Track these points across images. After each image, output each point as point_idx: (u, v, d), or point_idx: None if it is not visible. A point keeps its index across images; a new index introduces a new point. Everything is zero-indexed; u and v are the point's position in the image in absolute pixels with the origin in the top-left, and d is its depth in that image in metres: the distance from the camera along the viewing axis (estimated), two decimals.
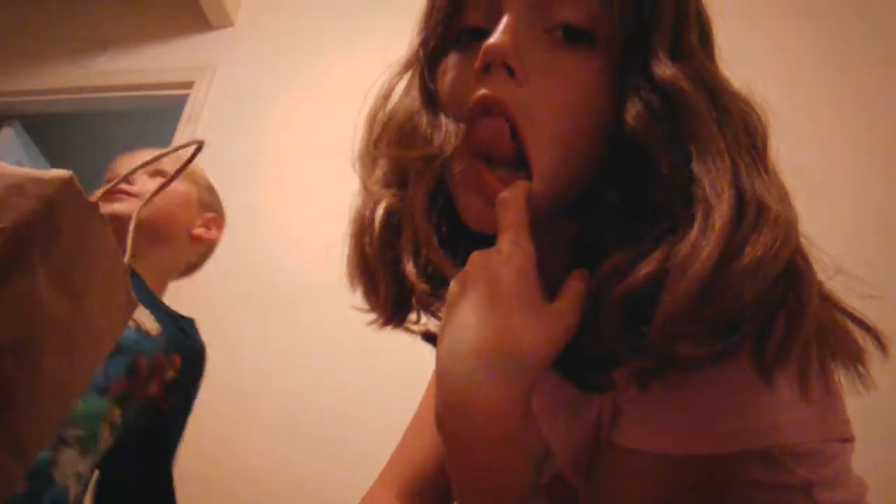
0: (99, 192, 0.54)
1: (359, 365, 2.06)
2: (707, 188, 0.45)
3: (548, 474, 0.63)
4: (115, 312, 0.55)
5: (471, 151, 0.52)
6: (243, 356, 2.14)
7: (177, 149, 0.59)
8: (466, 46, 0.55)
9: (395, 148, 0.57)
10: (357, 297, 0.68)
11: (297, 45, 2.78)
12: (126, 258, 0.55)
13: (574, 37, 0.51)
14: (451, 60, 0.56)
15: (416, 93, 0.58)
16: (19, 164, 3.03)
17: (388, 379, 2.02)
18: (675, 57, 0.51)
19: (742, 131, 0.49)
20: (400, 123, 0.57)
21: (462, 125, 0.52)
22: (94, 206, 0.50)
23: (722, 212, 0.44)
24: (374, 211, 0.60)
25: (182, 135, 2.65)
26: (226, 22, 2.89)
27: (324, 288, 2.23)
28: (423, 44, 0.58)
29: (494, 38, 0.50)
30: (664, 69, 0.50)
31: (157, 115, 3.00)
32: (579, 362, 0.49)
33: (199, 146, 0.61)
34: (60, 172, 0.48)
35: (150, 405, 1.10)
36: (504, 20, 0.51)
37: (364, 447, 1.98)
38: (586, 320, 0.47)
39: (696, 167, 0.46)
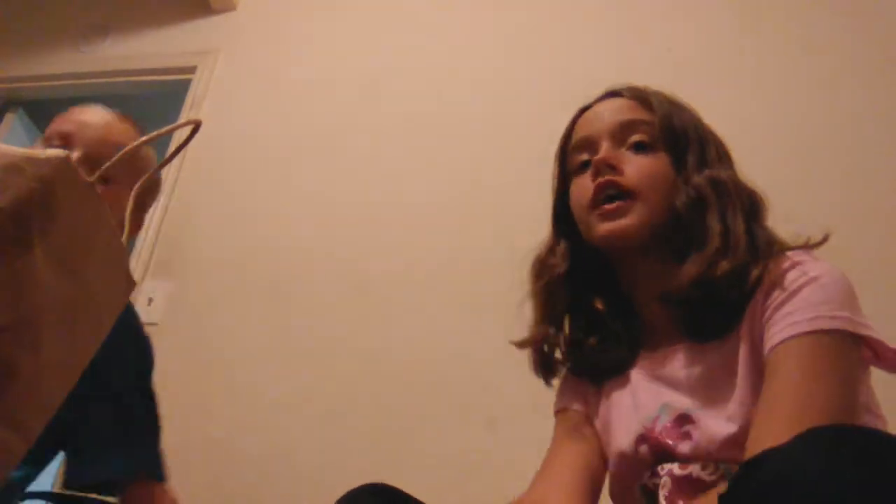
0: (97, 174, 0.55)
1: (359, 353, 2.07)
2: (713, 237, 0.87)
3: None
4: (114, 291, 0.55)
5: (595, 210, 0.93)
6: (243, 344, 2.15)
7: (173, 128, 0.60)
8: (582, 171, 0.97)
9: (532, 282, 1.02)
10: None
11: (298, 29, 2.77)
12: (124, 237, 0.55)
13: (641, 147, 0.94)
14: (575, 182, 0.98)
15: (551, 233, 1.04)
16: None
17: (389, 366, 2.03)
18: (700, 168, 0.92)
19: (738, 203, 0.90)
20: (535, 263, 1.02)
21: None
22: (91, 185, 0.51)
23: (714, 246, 0.86)
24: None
25: (186, 119, 2.64)
26: (228, 6, 2.87)
27: (325, 271, 2.24)
28: (554, 189, 1.04)
29: (601, 154, 0.93)
30: (694, 177, 0.91)
31: (160, 100, 2.99)
32: (710, 325, 0.86)
33: (196, 126, 0.61)
34: (57, 152, 0.48)
35: None
36: (603, 146, 0.94)
37: (365, 434, 1.99)
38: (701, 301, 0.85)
39: (709, 230, 0.88)
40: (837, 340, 0.77)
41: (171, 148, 2.60)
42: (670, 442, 0.85)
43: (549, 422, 1.03)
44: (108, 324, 0.56)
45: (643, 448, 0.89)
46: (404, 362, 2.01)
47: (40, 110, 3.19)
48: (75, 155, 1.08)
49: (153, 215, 2.46)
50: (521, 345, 1.01)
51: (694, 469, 0.82)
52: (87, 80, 2.90)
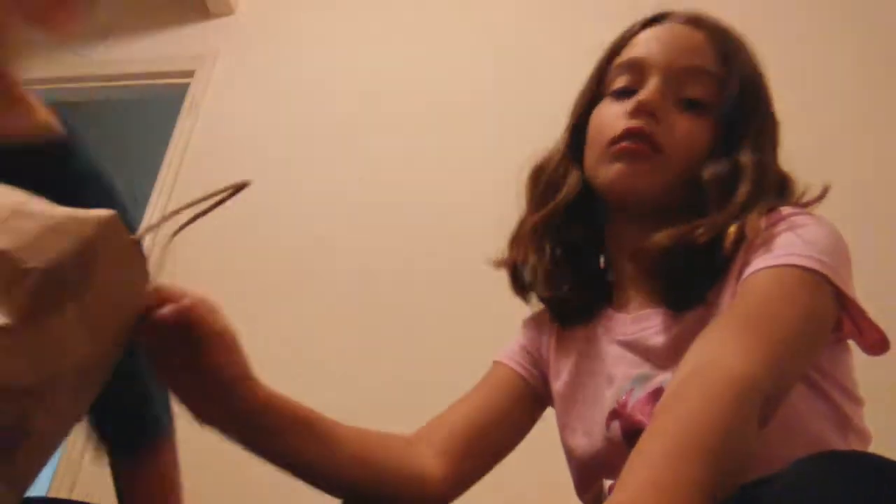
0: (142, 230, 0.54)
1: (363, 354, 2.06)
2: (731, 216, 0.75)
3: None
4: (123, 343, 0.55)
5: (610, 154, 0.80)
6: (245, 349, 2.14)
7: (221, 193, 0.60)
8: (618, 98, 0.83)
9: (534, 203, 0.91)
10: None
11: (296, 33, 2.77)
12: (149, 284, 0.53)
13: (693, 106, 0.80)
14: (605, 105, 0.84)
15: (561, 146, 0.90)
16: None
17: (393, 367, 2.02)
18: (754, 149, 0.78)
19: (768, 190, 0.77)
20: (536, 180, 0.92)
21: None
22: (136, 243, 0.51)
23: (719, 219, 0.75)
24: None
25: (184, 123, 2.64)
26: (226, 10, 2.87)
27: (327, 274, 2.23)
28: (581, 100, 0.89)
29: (646, 96, 0.79)
30: (742, 155, 0.78)
31: (158, 104, 2.99)
32: (689, 293, 0.76)
33: (242, 186, 0.62)
34: (102, 212, 0.47)
35: None
36: (652, 84, 0.80)
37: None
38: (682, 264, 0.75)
39: (731, 203, 0.76)
40: (812, 279, 0.68)
41: (178, 132, 2.60)
42: (642, 418, 0.75)
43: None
44: (106, 376, 0.55)
45: (614, 425, 0.79)
46: (408, 362, 2.01)
47: None
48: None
49: (151, 219, 2.46)
50: (499, 264, 0.93)
51: None
52: (85, 84, 2.89)
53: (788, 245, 0.70)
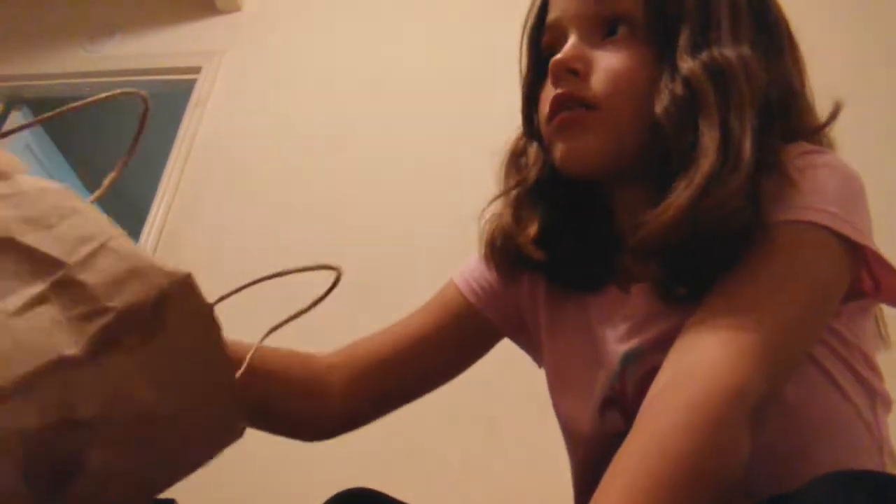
0: (218, 298, 0.54)
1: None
2: (700, 157, 0.59)
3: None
4: (212, 428, 0.54)
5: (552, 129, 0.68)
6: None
7: (305, 269, 0.61)
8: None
9: (505, 178, 0.79)
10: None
11: (304, 30, 2.78)
12: (238, 373, 0.53)
13: (615, 33, 0.66)
14: (546, 82, 0.70)
15: (522, 126, 0.78)
16: (28, 148, 3.03)
17: None
18: (697, 48, 0.63)
19: (750, 96, 0.61)
20: (507, 160, 0.79)
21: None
22: (209, 308, 0.51)
23: (704, 169, 0.59)
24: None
25: (189, 120, 2.65)
26: (233, 6, 2.88)
27: (329, 273, 2.23)
28: (525, 76, 0.76)
29: (558, 55, 0.67)
30: (683, 64, 0.63)
31: (165, 100, 2.99)
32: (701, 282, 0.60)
33: (338, 276, 0.62)
34: (179, 269, 0.49)
35: None
36: (568, 41, 0.67)
37: (364, 437, 1.98)
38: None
39: (701, 140, 0.60)
40: (818, 237, 0.59)
41: (180, 138, 2.60)
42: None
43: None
44: (192, 460, 0.54)
45: (613, 416, 0.68)
46: None
47: (45, 109, 3.18)
48: None
49: (156, 214, 2.46)
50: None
51: None
52: (92, 80, 2.90)
53: (788, 196, 0.60)
